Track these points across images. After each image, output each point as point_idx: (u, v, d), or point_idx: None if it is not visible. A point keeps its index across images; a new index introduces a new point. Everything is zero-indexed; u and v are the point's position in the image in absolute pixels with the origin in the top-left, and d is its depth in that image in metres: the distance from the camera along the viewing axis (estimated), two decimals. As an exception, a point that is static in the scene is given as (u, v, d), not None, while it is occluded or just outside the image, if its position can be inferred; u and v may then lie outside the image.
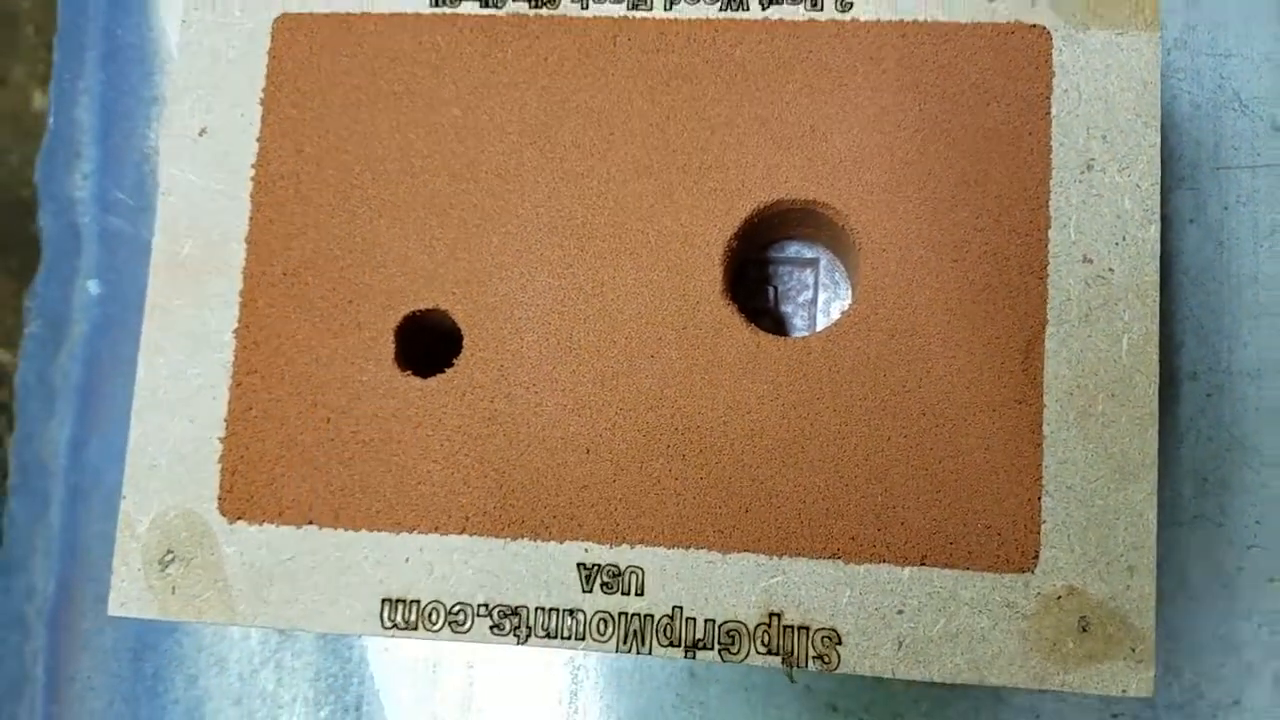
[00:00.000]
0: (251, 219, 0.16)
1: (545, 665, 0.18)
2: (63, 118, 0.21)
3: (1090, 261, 0.15)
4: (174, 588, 0.15)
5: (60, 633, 0.19)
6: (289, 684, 0.19)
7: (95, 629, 0.19)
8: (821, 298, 0.18)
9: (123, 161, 0.21)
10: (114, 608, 0.15)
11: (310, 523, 0.15)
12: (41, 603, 0.19)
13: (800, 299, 0.18)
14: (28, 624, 0.19)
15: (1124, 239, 0.15)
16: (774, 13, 0.16)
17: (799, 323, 0.18)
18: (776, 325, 0.18)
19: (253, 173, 0.16)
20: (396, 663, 0.19)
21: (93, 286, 0.20)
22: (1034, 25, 0.15)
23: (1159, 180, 0.15)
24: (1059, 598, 0.14)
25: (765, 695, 0.18)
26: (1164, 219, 0.19)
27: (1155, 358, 0.15)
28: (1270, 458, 0.18)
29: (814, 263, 0.18)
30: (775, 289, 0.18)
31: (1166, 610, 0.18)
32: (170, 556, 0.15)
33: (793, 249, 0.18)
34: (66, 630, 0.19)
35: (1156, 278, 0.15)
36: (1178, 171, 0.19)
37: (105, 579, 0.19)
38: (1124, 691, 0.14)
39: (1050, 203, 0.15)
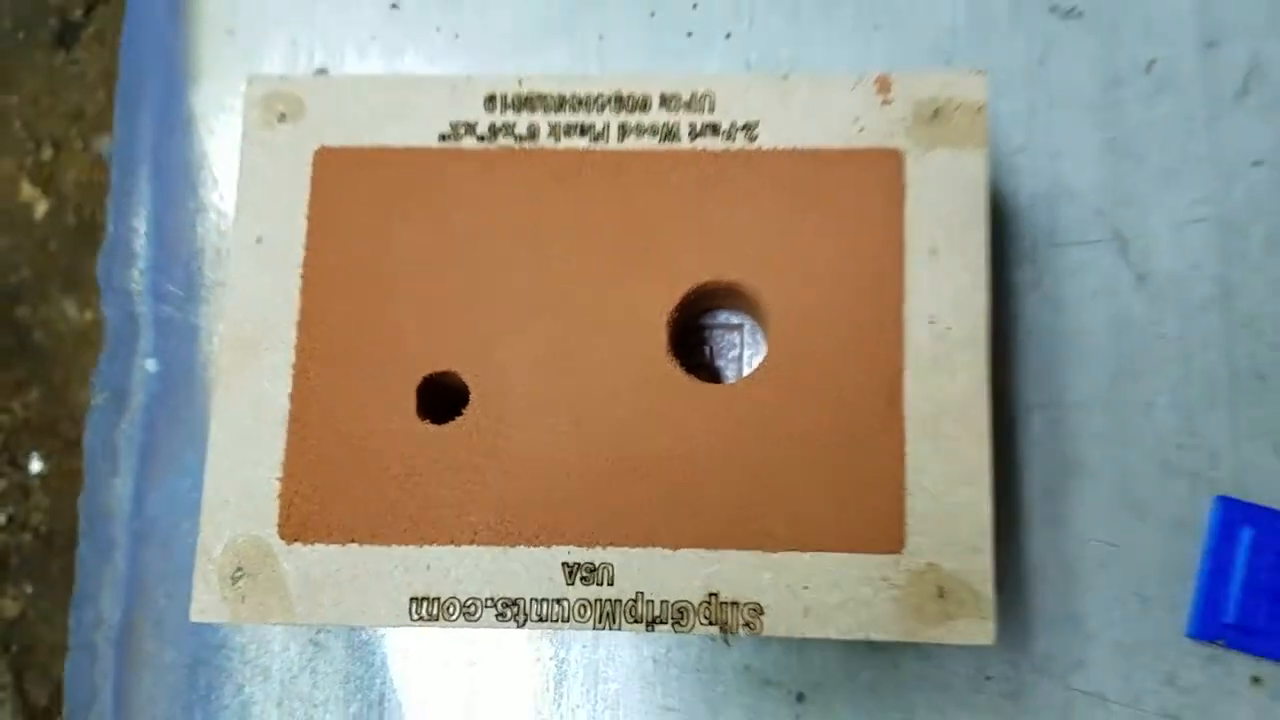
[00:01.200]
0: (301, 307, 0.20)
1: (534, 661, 0.23)
2: (121, 225, 0.26)
3: (935, 322, 0.20)
4: (243, 597, 0.19)
5: (125, 654, 0.23)
6: (323, 686, 0.22)
7: (155, 651, 0.23)
8: (747, 354, 0.23)
9: (173, 260, 0.25)
10: (195, 615, 0.19)
11: (352, 541, 0.19)
12: (109, 630, 0.23)
13: (730, 355, 0.23)
14: (97, 649, 0.23)
15: (960, 304, 0.20)
16: (700, 144, 0.21)
17: (729, 374, 0.23)
18: (712, 376, 0.23)
19: (300, 270, 0.21)
20: (412, 663, 0.23)
21: (150, 365, 0.25)
22: (892, 148, 0.21)
23: (986, 260, 0.20)
24: (922, 572, 0.19)
25: (713, 676, 0.22)
26: (1010, 287, 0.25)
27: (986, 391, 0.20)
28: (1097, 471, 0.24)
29: (739, 327, 0.23)
30: (711, 348, 0.23)
31: (1025, 595, 0.23)
32: (240, 573, 0.19)
33: (723, 317, 0.23)
34: (130, 652, 0.23)
35: (986, 332, 0.20)
36: (1022, 249, 0.25)
37: (163, 608, 0.23)
38: (974, 641, 0.19)
39: (905, 278, 0.20)
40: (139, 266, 0.25)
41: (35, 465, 0.67)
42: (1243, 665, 0.23)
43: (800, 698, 0.22)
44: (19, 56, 0.86)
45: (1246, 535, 0.23)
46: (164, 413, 0.24)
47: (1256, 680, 0.23)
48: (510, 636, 0.23)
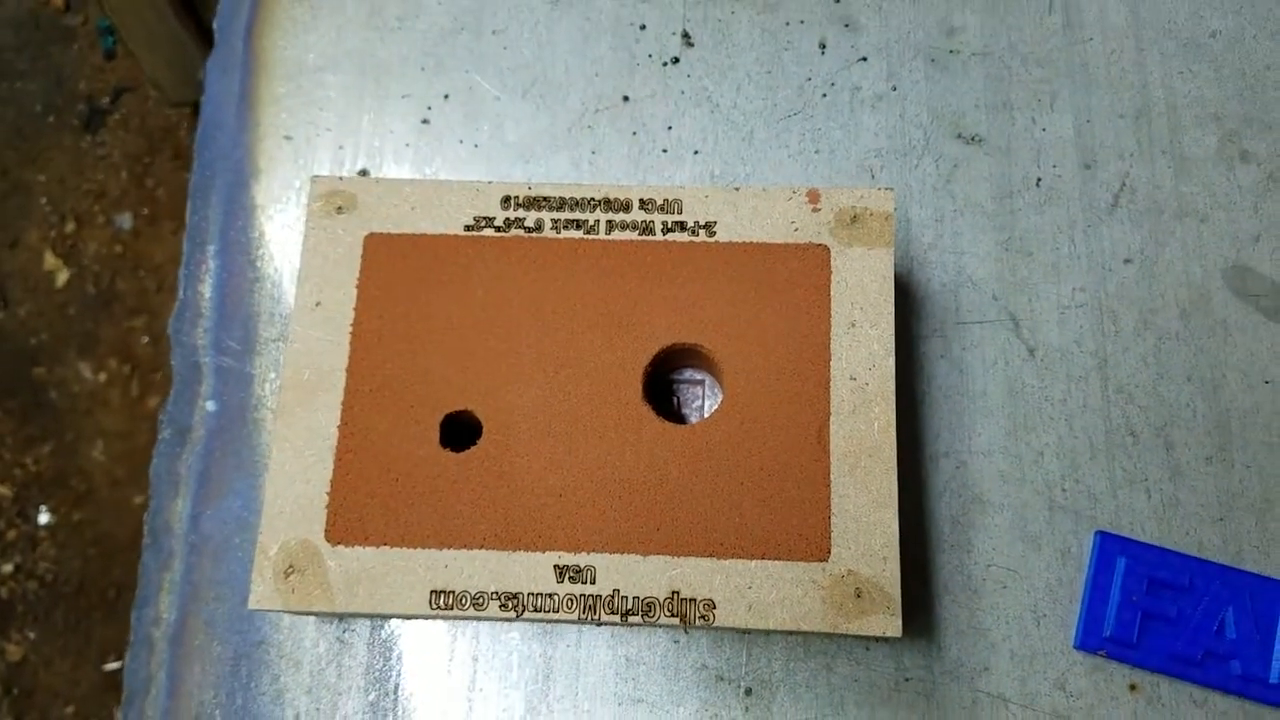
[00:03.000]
0: (349, 357, 0.25)
1: (526, 657, 0.27)
2: (190, 290, 0.31)
3: (854, 379, 0.25)
4: (294, 589, 0.24)
5: (178, 648, 0.27)
6: (347, 677, 0.27)
7: (205, 645, 0.27)
8: (708, 404, 0.28)
9: (233, 320, 0.30)
10: (252, 604, 0.23)
11: (385, 544, 0.24)
12: (165, 628, 0.27)
13: (694, 405, 0.28)
14: (154, 643, 0.27)
15: (874, 366, 0.25)
16: (670, 237, 0.26)
17: (693, 419, 0.28)
18: (680, 421, 0.28)
19: (350, 329, 0.26)
20: (423, 658, 0.27)
21: (210, 405, 0.29)
22: (820, 244, 0.26)
23: (893, 331, 0.25)
24: (843, 576, 0.24)
25: (675, 673, 0.27)
26: (923, 357, 0.30)
27: (893, 435, 0.25)
28: (996, 509, 0.29)
29: (701, 382, 0.28)
30: (678, 399, 0.28)
31: (936, 609, 0.28)
32: (291, 569, 0.24)
33: (688, 374, 0.28)
34: (183, 647, 0.27)
35: (893, 387, 0.25)
36: (932, 326, 0.30)
37: (213, 610, 0.27)
38: (884, 633, 0.23)
39: (830, 345, 0.25)
40: (204, 325, 0.30)
41: (43, 517, 0.71)
42: (1122, 674, 0.27)
43: (748, 692, 0.27)
44: (48, 138, 0.92)
45: (1121, 564, 0.28)
46: (220, 445, 0.29)
47: (1134, 687, 0.27)
48: (506, 636, 0.27)
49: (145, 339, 0.78)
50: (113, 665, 0.68)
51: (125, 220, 0.86)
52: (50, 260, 0.85)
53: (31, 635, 0.69)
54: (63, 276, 0.84)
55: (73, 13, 0.89)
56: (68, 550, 0.71)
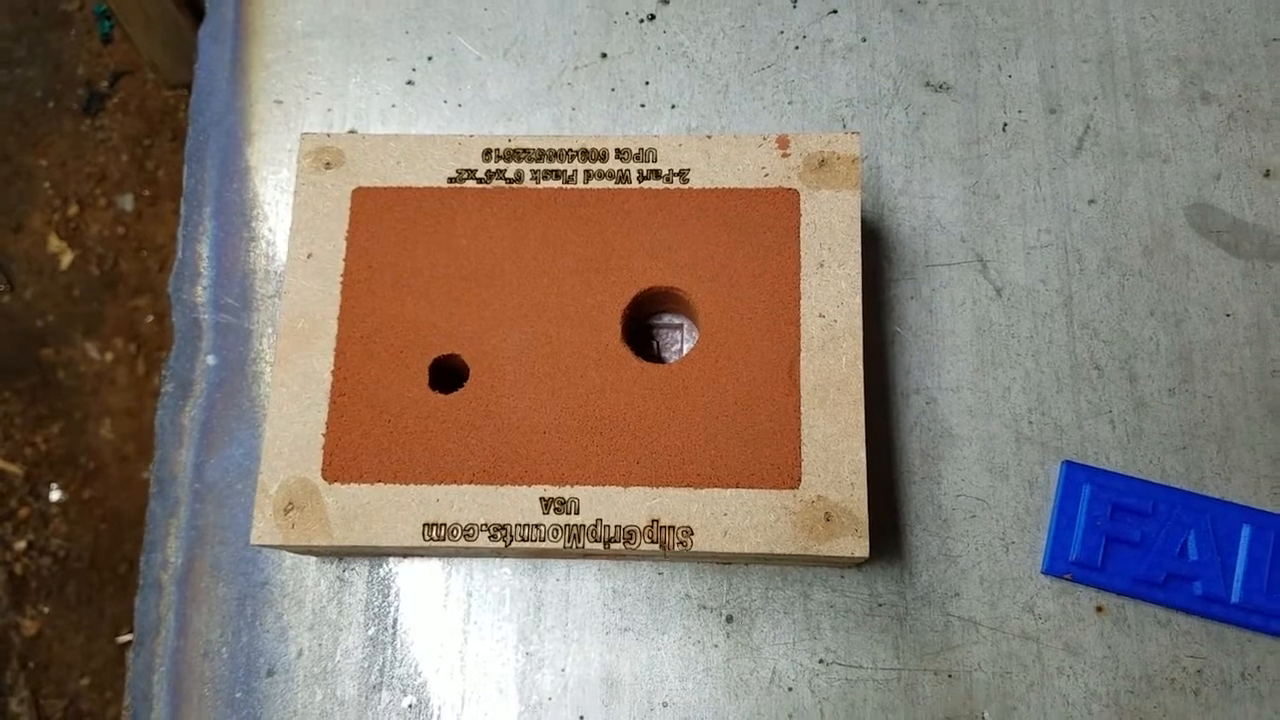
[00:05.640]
0: (341, 306, 0.27)
1: (518, 591, 0.28)
2: (189, 251, 0.32)
3: (823, 316, 0.26)
4: (293, 524, 0.25)
5: (186, 590, 0.28)
6: (347, 614, 0.28)
7: (211, 587, 0.28)
8: (686, 347, 0.29)
9: (230, 278, 0.32)
10: (254, 539, 0.25)
11: (379, 481, 0.25)
12: (173, 571, 0.29)
13: (673, 349, 0.29)
14: (162, 586, 0.28)
15: (842, 303, 0.26)
16: (645, 185, 0.27)
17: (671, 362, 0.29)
18: (659, 363, 0.29)
19: (341, 279, 0.27)
20: (419, 593, 0.28)
21: (210, 360, 0.31)
22: (790, 188, 0.27)
23: (860, 270, 0.27)
24: (813, 502, 0.25)
25: (659, 603, 0.28)
26: (894, 298, 0.31)
27: (861, 369, 0.26)
28: (966, 442, 0.30)
29: (680, 326, 0.29)
30: (657, 342, 0.29)
31: (908, 538, 0.29)
32: (291, 506, 0.25)
33: (667, 318, 0.29)
34: (190, 589, 0.28)
35: (860, 323, 0.26)
36: (902, 269, 0.31)
37: (218, 553, 0.28)
38: (852, 554, 0.24)
39: (800, 285, 0.26)
40: (202, 283, 0.31)
41: (55, 495, 0.72)
42: (1088, 597, 0.28)
43: (729, 619, 0.28)
44: (49, 122, 0.93)
45: (1087, 491, 0.29)
46: (221, 398, 0.30)
47: (1100, 608, 0.28)
48: (498, 572, 0.28)
49: (150, 318, 0.79)
50: (125, 638, 0.70)
51: (127, 202, 0.87)
52: (54, 243, 0.86)
53: (46, 610, 0.71)
54: (67, 259, 0.86)
55: (67, -2, 0.90)
56: (79, 527, 0.72)
